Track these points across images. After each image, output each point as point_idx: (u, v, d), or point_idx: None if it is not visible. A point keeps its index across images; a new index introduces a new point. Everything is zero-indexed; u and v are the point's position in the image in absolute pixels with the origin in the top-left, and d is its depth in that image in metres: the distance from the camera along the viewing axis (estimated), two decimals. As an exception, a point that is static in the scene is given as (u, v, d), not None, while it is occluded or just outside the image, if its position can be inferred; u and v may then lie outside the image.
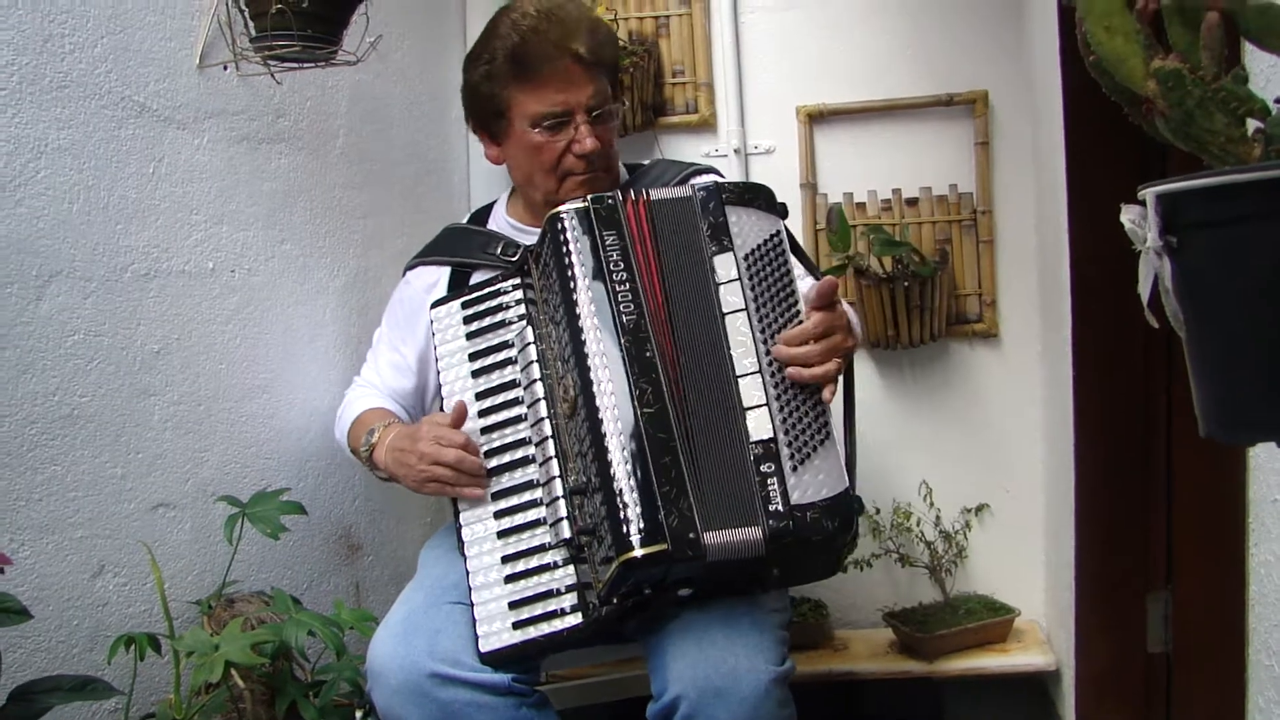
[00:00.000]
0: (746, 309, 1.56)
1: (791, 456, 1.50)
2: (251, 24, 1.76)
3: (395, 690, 1.56)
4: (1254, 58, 0.98)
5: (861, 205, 2.55)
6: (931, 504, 2.53)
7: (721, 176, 1.82)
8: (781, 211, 1.65)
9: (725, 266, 1.58)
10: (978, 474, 2.58)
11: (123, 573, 1.66)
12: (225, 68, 1.84)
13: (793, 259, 1.62)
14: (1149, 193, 0.68)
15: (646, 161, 2.01)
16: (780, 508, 1.47)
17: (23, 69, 1.51)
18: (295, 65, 1.84)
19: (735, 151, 2.60)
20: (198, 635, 1.58)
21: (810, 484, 1.49)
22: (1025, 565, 2.57)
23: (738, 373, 1.53)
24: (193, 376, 1.80)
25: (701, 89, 2.62)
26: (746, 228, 1.60)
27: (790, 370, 1.53)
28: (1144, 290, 0.71)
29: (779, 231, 1.62)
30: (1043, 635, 2.50)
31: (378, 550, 2.24)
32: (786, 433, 1.51)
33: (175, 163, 1.77)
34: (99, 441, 1.63)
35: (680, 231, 1.60)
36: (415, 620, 1.62)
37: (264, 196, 1.96)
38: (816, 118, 2.57)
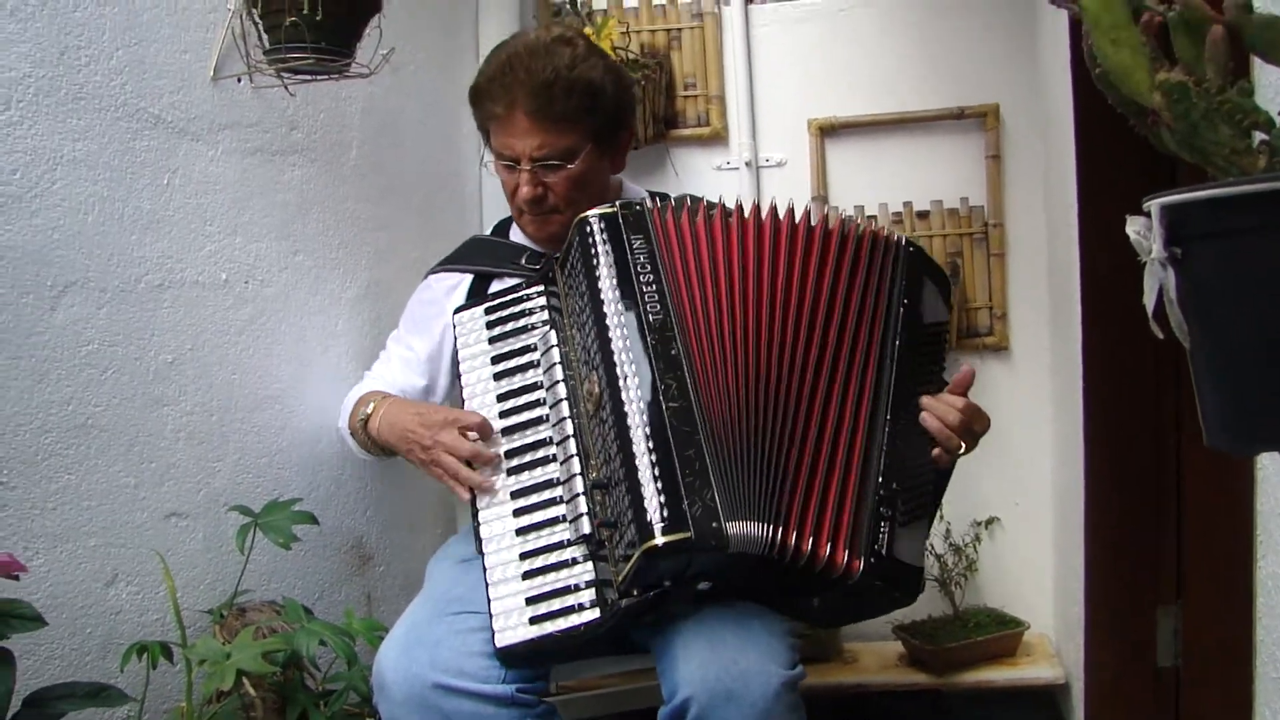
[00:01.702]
0: (911, 366, 1.63)
1: (906, 512, 1.56)
2: (265, 36, 1.77)
3: (400, 703, 1.57)
4: (1262, 71, 0.99)
5: (873, 218, 2.56)
6: (941, 517, 2.52)
7: None
8: (950, 308, 1.78)
9: (909, 323, 1.65)
10: (988, 487, 2.58)
11: (136, 581, 1.67)
12: (239, 80, 1.86)
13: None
14: (1154, 204, 0.69)
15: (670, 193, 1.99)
16: (884, 551, 1.52)
17: (39, 81, 1.53)
18: (309, 77, 1.85)
19: (747, 164, 2.61)
20: (209, 644, 1.59)
21: (906, 545, 1.55)
22: (1035, 578, 2.57)
23: (887, 416, 1.59)
24: (206, 387, 1.81)
25: (713, 101, 2.63)
26: (929, 302, 1.70)
27: (924, 417, 1.59)
28: (1149, 301, 0.72)
29: (947, 323, 1.75)
30: (1052, 649, 2.49)
31: (389, 561, 2.25)
32: (907, 489, 1.57)
33: (189, 174, 1.78)
34: (112, 451, 1.64)
35: (867, 267, 1.66)
36: (418, 632, 1.63)
37: (277, 208, 1.98)
38: (828, 130, 2.58)
